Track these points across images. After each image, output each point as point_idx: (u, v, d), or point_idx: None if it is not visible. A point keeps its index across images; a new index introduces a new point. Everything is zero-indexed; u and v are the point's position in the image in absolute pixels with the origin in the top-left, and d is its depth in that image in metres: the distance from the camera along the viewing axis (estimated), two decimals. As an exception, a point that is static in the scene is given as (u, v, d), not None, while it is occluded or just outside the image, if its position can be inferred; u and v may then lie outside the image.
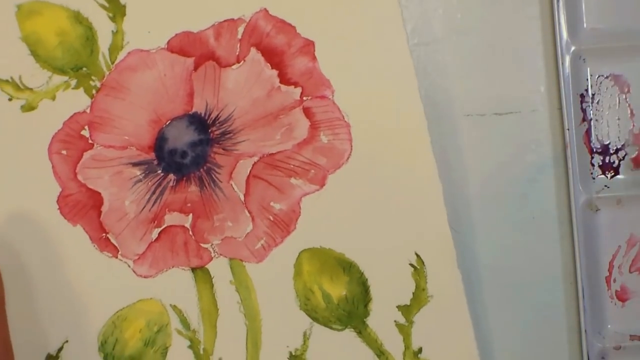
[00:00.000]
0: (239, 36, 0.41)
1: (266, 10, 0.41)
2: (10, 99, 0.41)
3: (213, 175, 0.41)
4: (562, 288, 0.42)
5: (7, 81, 0.41)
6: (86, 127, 0.40)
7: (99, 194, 0.40)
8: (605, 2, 0.42)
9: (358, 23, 0.41)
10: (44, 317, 0.40)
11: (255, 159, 0.41)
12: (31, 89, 0.41)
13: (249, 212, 0.40)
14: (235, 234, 0.40)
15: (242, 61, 0.41)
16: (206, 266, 0.41)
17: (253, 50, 0.41)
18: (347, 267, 0.40)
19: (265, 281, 0.40)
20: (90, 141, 0.40)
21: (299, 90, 0.41)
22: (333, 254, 0.40)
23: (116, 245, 0.40)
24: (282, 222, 0.40)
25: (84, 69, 0.41)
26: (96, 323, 0.40)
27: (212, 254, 0.41)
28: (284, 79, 0.41)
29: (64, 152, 0.40)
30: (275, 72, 0.41)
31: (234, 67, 0.41)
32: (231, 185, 0.40)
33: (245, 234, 0.40)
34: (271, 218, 0.40)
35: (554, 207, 0.42)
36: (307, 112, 0.41)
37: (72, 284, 0.40)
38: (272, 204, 0.40)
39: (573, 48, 0.41)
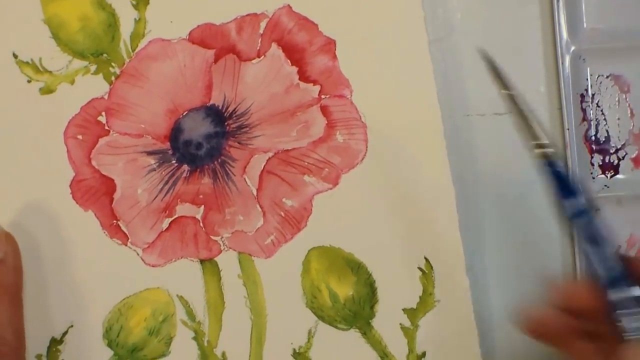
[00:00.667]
0: (261, 31, 0.41)
1: (289, 7, 0.41)
2: (29, 81, 0.41)
3: (227, 169, 0.41)
4: None
5: (27, 63, 0.41)
6: (103, 113, 0.41)
7: (112, 180, 0.40)
8: (605, 2, 0.42)
9: (380, 24, 0.41)
10: (51, 301, 0.40)
11: (270, 154, 0.41)
12: (50, 72, 0.41)
13: (261, 207, 0.40)
14: (246, 228, 0.40)
15: (263, 56, 0.41)
16: (215, 259, 0.41)
17: (274, 45, 0.41)
18: (356, 268, 0.40)
19: (273, 277, 0.40)
20: (106, 127, 0.40)
21: (317, 88, 0.41)
22: (342, 254, 0.40)
23: (126, 232, 0.40)
24: (293, 219, 0.40)
25: (105, 55, 0.41)
26: (102, 309, 0.40)
27: (222, 247, 0.41)
28: (304, 76, 0.41)
29: (79, 136, 0.40)
30: (295, 69, 0.41)
31: (254, 61, 0.41)
32: (244, 179, 0.41)
33: (256, 228, 0.40)
34: (282, 214, 0.40)
35: (553, 207, 0.42)
36: (324, 110, 0.41)
37: (80, 269, 0.40)
38: (284, 200, 0.40)
39: (573, 48, 0.41)
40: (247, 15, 0.41)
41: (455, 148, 0.41)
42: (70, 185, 0.40)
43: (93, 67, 0.41)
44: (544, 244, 0.42)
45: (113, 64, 0.41)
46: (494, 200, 0.42)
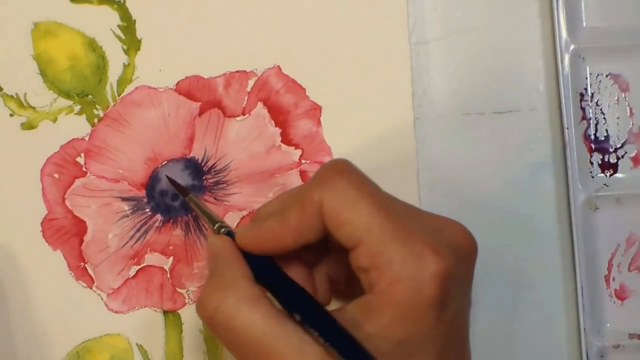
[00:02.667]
0: (248, 89, 0.41)
1: (279, 68, 0.41)
2: (11, 115, 0.41)
3: (200, 223, 0.40)
4: (561, 287, 0.41)
5: (11, 97, 0.41)
6: (82, 154, 0.40)
7: (84, 222, 0.40)
8: (605, 1, 0.42)
9: (368, 96, 0.41)
10: (12, 337, 0.40)
11: (245, 213, 0.40)
12: (34, 108, 0.41)
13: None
14: (213, 284, 0.40)
15: (248, 114, 0.41)
16: (178, 311, 0.40)
17: (260, 105, 0.41)
18: (318, 335, 0.40)
19: (234, 335, 0.40)
20: (84, 169, 0.40)
21: (299, 152, 0.41)
22: (306, 320, 0.40)
23: (93, 276, 0.40)
24: (260, 280, 0.40)
25: (90, 96, 0.41)
26: (60, 350, 0.40)
27: (187, 300, 0.40)
28: (286, 139, 0.41)
29: (56, 175, 0.40)
30: (278, 130, 0.41)
31: (238, 118, 0.41)
32: (216, 235, 0.40)
33: (223, 285, 0.40)
34: (251, 274, 0.40)
35: (553, 205, 0.41)
36: (303, 175, 0.40)
37: (42, 308, 0.40)
38: (253, 260, 0.40)
39: (572, 47, 0.41)
40: (237, 71, 0.41)
41: (454, 147, 0.41)
42: (41, 223, 0.40)
43: (77, 107, 0.41)
44: (543, 242, 0.42)
45: (97, 106, 0.41)
46: (493, 199, 0.42)
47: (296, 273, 0.34)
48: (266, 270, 0.33)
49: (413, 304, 0.30)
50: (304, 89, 0.41)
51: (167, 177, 0.40)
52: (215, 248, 0.34)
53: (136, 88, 0.41)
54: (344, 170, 0.33)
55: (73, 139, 0.40)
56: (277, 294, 0.32)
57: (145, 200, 0.40)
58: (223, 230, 0.35)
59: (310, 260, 0.35)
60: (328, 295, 0.37)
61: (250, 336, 0.30)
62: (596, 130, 0.42)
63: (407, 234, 0.31)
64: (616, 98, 0.42)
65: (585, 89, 0.42)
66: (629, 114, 0.42)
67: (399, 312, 0.30)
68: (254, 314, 0.30)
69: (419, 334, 0.30)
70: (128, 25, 0.41)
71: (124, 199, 0.40)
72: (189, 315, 0.40)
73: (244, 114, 0.41)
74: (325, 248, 0.35)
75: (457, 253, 0.31)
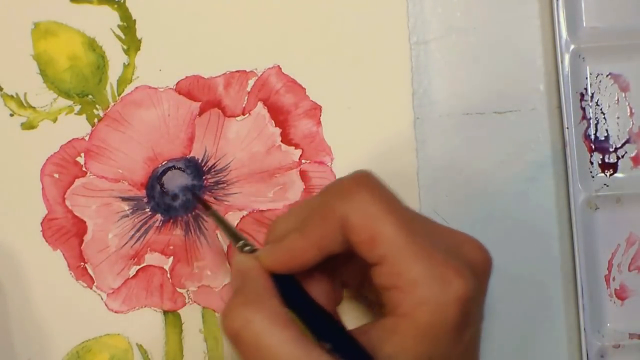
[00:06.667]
0: (248, 89, 0.41)
1: (279, 68, 0.41)
2: (12, 115, 0.41)
3: (200, 222, 0.40)
4: (561, 286, 0.41)
5: (11, 96, 0.41)
6: (82, 154, 0.40)
7: (84, 222, 0.40)
8: (605, 1, 0.42)
9: (369, 95, 0.41)
10: (11, 337, 0.40)
11: (245, 212, 0.40)
12: (34, 108, 0.41)
13: (230, 264, 0.40)
14: (213, 284, 0.40)
15: (248, 114, 0.41)
16: (178, 311, 0.40)
17: (260, 104, 0.41)
18: (318, 335, 0.40)
19: (234, 335, 0.40)
20: (84, 169, 0.40)
21: (299, 152, 0.41)
22: (306, 319, 0.40)
23: (93, 276, 0.40)
24: (260, 280, 0.40)
25: (90, 96, 0.41)
26: (60, 350, 0.40)
27: (187, 300, 0.40)
28: (286, 139, 0.41)
29: (56, 175, 0.40)
30: (278, 130, 0.41)
31: (238, 118, 0.41)
32: (216, 234, 0.40)
33: (223, 285, 0.40)
34: (251, 274, 0.40)
35: (553, 205, 0.41)
36: (303, 175, 0.40)
37: (42, 307, 0.40)
38: (254, 259, 0.40)
39: (572, 47, 0.41)
40: (237, 71, 0.41)
41: (454, 146, 0.41)
42: (41, 223, 0.40)
43: (77, 107, 0.41)
44: (544, 242, 0.42)
45: (97, 106, 0.41)
46: (494, 198, 0.42)
47: (315, 282, 0.34)
48: (293, 292, 0.33)
49: (436, 327, 0.30)
50: (304, 89, 0.41)
51: (192, 192, 0.40)
52: (243, 267, 0.33)
53: (136, 88, 0.41)
54: (368, 183, 0.32)
55: (73, 139, 0.40)
56: (305, 318, 0.32)
57: (145, 200, 0.40)
58: (247, 248, 0.34)
59: (327, 266, 0.35)
60: (340, 297, 0.37)
61: (280, 354, 0.29)
62: (596, 130, 0.42)
63: (431, 254, 0.31)
64: (616, 98, 0.42)
65: (586, 89, 0.42)
66: (629, 113, 0.42)
67: (422, 334, 0.30)
68: (284, 335, 0.30)
69: (438, 355, 0.30)
70: (128, 25, 0.41)
71: (124, 199, 0.40)
72: (189, 315, 0.40)
73: (244, 114, 0.41)
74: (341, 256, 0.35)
75: (476, 272, 0.31)
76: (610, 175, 0.42)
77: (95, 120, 0.41)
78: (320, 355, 0.30)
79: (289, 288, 0.33)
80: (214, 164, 0.41)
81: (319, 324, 0.32)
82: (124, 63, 0.41)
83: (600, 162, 0.42)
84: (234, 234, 0.36)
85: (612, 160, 0.42)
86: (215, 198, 0.40)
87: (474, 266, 0.32)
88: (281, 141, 0.41)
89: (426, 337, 0.30)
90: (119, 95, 0.41)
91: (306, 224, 0.32)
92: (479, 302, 0.32)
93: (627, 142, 0.42)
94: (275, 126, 0.41)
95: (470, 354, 0.32)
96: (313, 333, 0.31)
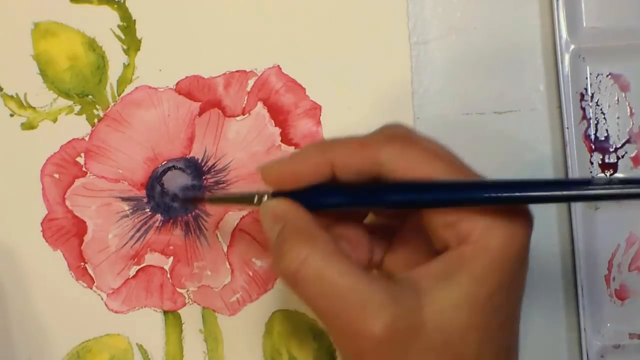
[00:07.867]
0: (248, 89, 0.41)
1: (279, 68, 0.41)
2: (12, 115, 0.41)
3: (200, 222, 0.40)
4: (561, 286, 0.41)
5: (11, 97, 0.41)
6: (82, 155, 0.40)
7: (84, 222, 0.40)
8: (605, 1, 0.42)
9: (368, 96, 0.41)
10: (11, 337, 0.40)
11: (244, 213, 0.40)
12: (34, 108, 0.41)
13: (230, 264, 0.40)
14: (213, 284, 0.40)
15: (248, 114, 0.41)
16: (178, 311, 0.40)
17: (260, 104, 0.41)
18: (318, 335, 0.40)
19: (234, 335, 0.40)
20: (84, 169, 0.40)
21: (298, 152, 0.41)
22: (306, 319, 0.40)
23: (93, 276, 0.40)
24: (260, 280, 0.40)
25: (90, 96, 0.41)
26: (60, 350, 0.40)
27: (187, 300, 0.40)
28: (286, 139, 0.41)
29: (56, 175, 0.40)
30: (278, 130, 0.41)
31: (238, 118, 0.41)
32: (216, 235, 0.40)
33: (223, 285, 0.40)
34: (250, 274, 0.40)
35: (553, 205, 0.41)
36: (303, 175, 0.40)
37: (42, 307, 0.40)
38: (254, 259, 0.40)
39: (572, 47, 0.41)
40: (236, 71, 0.41)
41: (454, 147, 0.41)
42: (41, 223, 0.40)
43: (77, 108, 0.41)
44: (544, 242, 0.41)
45: (97, 106, 0.41)
46: None
47: (354, 230, 0.34)
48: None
49: (506, 253, 0.30)
50: (304, 89, 0.41)
51: (177, 196, 0.40)
52: (277, 210, 0.32)
53: (136, 88, 0.41)
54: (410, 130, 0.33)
55: (73, 139, 0.40)
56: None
57: (145, 200, 0.40)
58: (266, 196, 0.33)
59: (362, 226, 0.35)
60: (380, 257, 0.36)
61: (343, 286, 0.29)
62: (596, 130, 0.42)
63: None
64: (616, 98, 0.42)
65: (586, 89, 0.42)
66: (629, 113, 0.42)
67: (494, 260, 0.30)
68: (342, 267, 0.30)
69: (506, 286, 0.30)
70: (128, 25, 0.41)
71: (124, 199, 0.40)
72: (188, 315, 0.40)
73: (243, 114, 0.41)
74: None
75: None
76: (611, 175, 0.42)
77: (95, 120, 0.41)
78: (380, 284, 0.29)
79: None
80: (214, 164, 0.41)
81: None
82: (124, 63, 0.41)
83: (600, 162, 0.42)
84: (245, 197, 0.34)
85: (612, 161, 0.42)
86: (215, 198, 0.40)
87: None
88: (281, 141, 0.41)
89: (498, 264, 0.30)
90: (119, 95, 0.41)
91: (332, 144, 0.33)
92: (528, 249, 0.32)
93: (627, 142, 0.42)
94: (275, 126, 0.41)
95: (520, 302, 0.32)
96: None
